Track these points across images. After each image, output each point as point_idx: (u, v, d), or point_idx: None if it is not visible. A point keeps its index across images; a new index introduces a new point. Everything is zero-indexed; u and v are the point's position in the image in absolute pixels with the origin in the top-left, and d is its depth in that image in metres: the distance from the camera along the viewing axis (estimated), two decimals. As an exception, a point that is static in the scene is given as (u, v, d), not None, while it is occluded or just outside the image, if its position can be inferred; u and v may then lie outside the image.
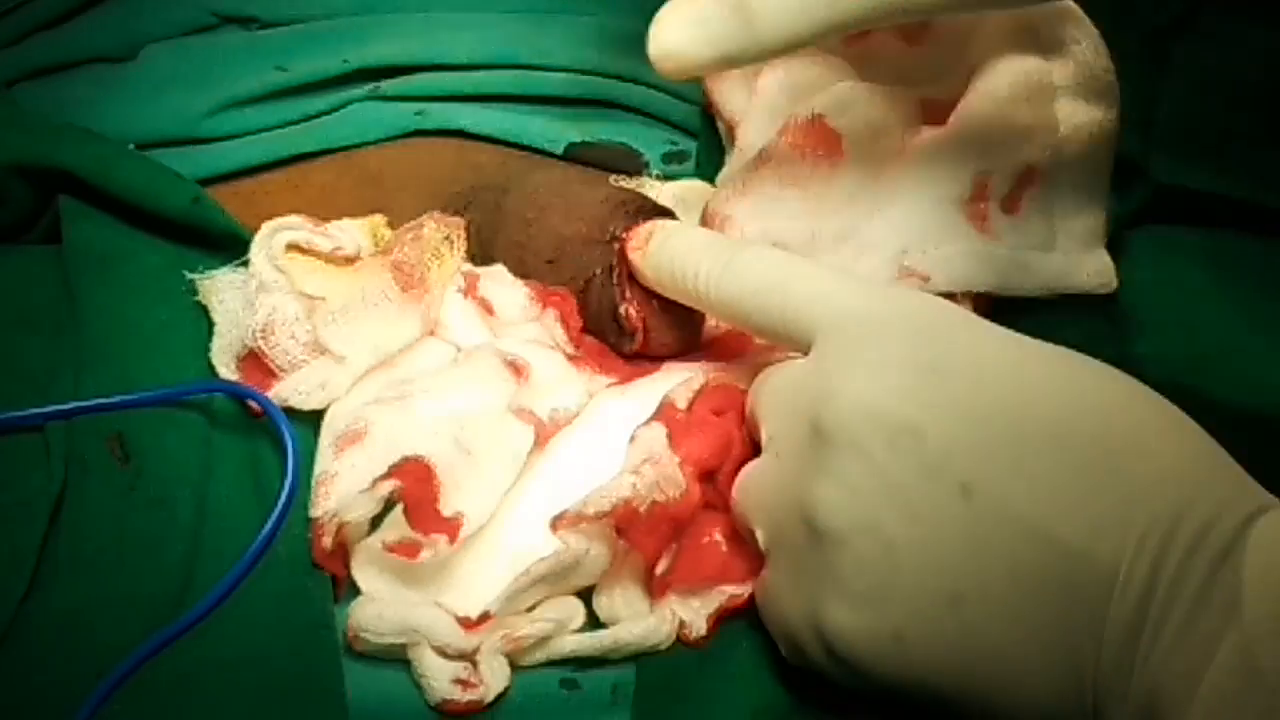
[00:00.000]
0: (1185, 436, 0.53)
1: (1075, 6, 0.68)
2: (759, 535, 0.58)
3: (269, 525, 0.57)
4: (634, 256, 0.65)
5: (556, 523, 0.59)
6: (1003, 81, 0.66)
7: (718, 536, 0.61)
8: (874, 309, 0.57)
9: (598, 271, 0.66)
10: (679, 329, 0.67)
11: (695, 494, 0.60)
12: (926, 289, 0.65)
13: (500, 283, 0.67)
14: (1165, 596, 0.49)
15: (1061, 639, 0.51)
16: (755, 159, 0.68)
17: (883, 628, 0.53)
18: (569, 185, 0.69)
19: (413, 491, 0.59)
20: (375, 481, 0.59)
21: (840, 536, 0.54)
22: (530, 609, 0.60)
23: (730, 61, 0.63)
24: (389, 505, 0.59)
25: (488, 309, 0.66)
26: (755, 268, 0.60)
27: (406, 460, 0.59)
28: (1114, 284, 0.68)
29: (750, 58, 0.63)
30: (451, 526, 0.59)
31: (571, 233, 0.67)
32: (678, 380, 0.63)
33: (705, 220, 0.69)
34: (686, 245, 0.63)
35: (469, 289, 0.67)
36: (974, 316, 0.58)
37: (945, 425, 0.53)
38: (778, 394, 0.59)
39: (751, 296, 0.60)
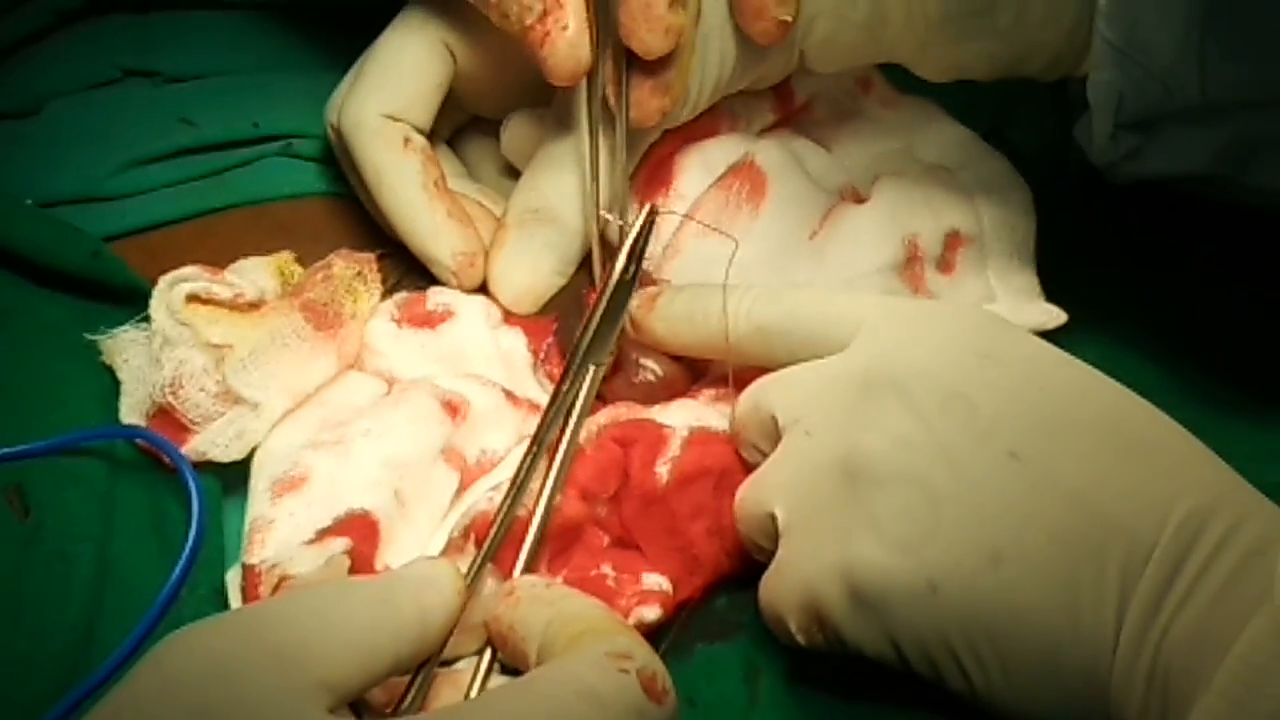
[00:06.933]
0: (1201, 448, 0.56)
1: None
2: (778, 515, 0.58)
3: (173, 580, 0.55)
4: (640, 317, 0.65)
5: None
6: (910, 167, 0.72)
7: (606, 569, 0.61)
8: (923, 306, 0.61)
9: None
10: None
11: (568, 511, 0.60)
12: None
13: (453, 293, 0.68)
14: (1193, 578, 0.52)
15: (1091, 606, 0.53)
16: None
17: (918, 576, 0.54)
18: None
19: (360, 550, 0.58)
20: (320, 534, 0.58)
21: (884, 481, 0.55)
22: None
23: (566, 262, 0.69)
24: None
25: (440, 318, 0.67)
26: (785, 294, 0.63)
27: (352, 515, 0.59)
28: (1064, 318, 0.70)
29: (576, 250, 0.69)
30: None
31: None
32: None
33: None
34: (698, 294, 0.65)
35: (408, 313, 0.67)
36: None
37: (997, 402, 0.56)
38: (804, 381, 0.60)
39: (788, 313, 0.62)
